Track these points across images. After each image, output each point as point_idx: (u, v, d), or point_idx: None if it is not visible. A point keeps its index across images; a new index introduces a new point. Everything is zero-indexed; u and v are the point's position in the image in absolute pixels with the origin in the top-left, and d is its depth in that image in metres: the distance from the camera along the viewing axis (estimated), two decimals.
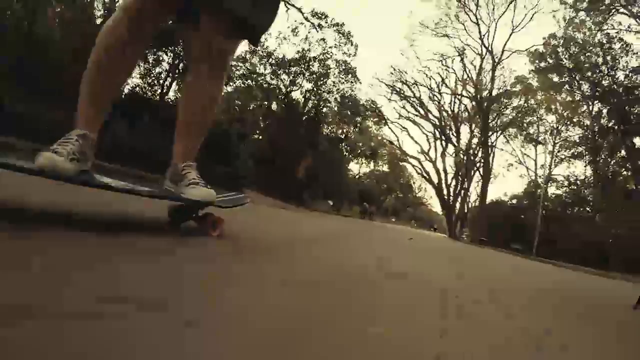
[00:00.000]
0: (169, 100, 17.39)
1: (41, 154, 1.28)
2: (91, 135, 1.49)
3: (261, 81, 25.05)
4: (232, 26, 1.79)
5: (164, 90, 17.60)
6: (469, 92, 31.47)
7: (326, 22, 24.54)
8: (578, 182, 24.66)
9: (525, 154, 29.36)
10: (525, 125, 29.23)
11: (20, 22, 12.03)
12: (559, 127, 27.15)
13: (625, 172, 21.81)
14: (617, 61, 22.70)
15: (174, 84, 17.75)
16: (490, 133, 30.42)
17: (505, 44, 29.39)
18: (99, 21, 15.58)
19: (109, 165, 1.56)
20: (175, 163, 1.83)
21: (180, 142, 1.88)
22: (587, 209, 23.81)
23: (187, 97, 1.92)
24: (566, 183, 25.39)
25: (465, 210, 31.93)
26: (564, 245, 19.77)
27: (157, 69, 17.43)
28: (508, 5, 28.59)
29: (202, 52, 1.82)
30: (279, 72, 25.00)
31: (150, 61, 16.94)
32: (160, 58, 17.16)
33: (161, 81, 17.53)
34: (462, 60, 31.03)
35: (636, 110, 20.78)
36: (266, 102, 25.41)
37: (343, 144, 29.23)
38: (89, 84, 1.57)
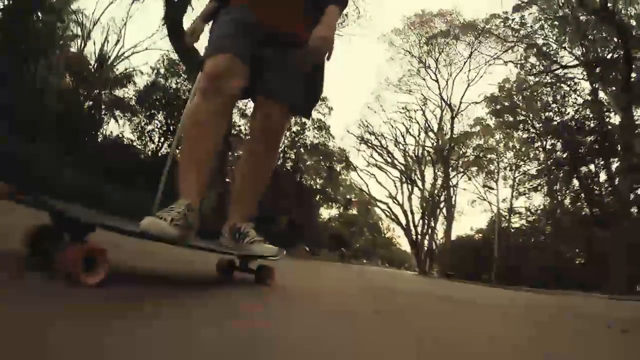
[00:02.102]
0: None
1: (146, 218, 1.43)
2: (194, 204, 1.64)
3: None
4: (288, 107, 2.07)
5: (157, 147, 17.47)
6: (431, 138, 33.11)
7: None
8: (539, 211, 25.66)
9: (488, 187, 30.34)
10: (485, 163, 30.50)
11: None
12: (518, 162, 28.44)
13: (582, 198, 22.66)
14: (566, 99, 24.33)
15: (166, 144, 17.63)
16: (453, 174, 31.67)
17: (462, 97, 31.65)
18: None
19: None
20: (234, 224, 2.03)
21: (239, 205, 2.10)
22: (543, 237, 24.58)
23: (246, 168, 2.13)
24: (527, 214, 26.53)
25: (434, 247, 32.33)
26: (526, 272, 20.37)
27: (150, 127, 17.39)
28: (463, 65, 30.73)
29: (260, 128, 2.06)
30: None
31: (142, 118, 16.92)
32: (155, 116, 17.18)
33: (154, 138, 17.46)
34: (423, 113, 33.02)
35: (588, 140, 22.02)
36: None
37: (319, 196, 29.81)
38: (185, 159, 1.79)
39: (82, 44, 16.33)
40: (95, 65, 16.19)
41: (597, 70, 20.80)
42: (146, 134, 16.88)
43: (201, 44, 2.30)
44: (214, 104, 1.79)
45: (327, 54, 1.90)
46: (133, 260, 2.17)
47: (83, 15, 15.24)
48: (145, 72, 17.76)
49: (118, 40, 18.01)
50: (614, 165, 20.17)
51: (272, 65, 1.97)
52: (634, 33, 18.29)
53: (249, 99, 2.16)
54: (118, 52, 17.70)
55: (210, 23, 2.14)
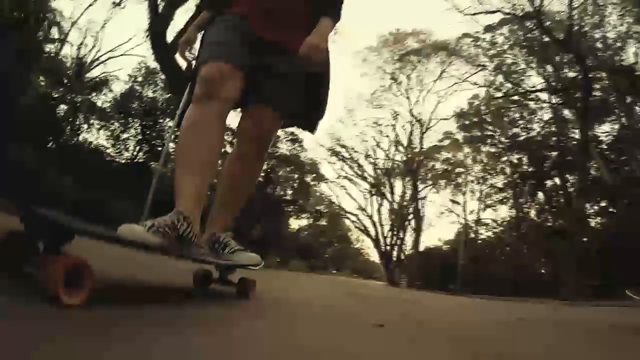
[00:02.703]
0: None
1: (124, 224, 1.39)
2: (187, 213, 1.58)
3: None
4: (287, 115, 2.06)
5: (134, 155, 16.89)
6: (401, 152, 33.87)
7: None
8: (505, 223, 26.47)
9: (454, 202, 31.03)
10: (453, 176, 31.22)
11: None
12: (485, 176, 29.27)
13: (547, 210, 23.49)
14: (533, 116, 25.31)
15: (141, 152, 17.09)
16: (422, 187, 32.41)
17: (432, 113, 32.29)
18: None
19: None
20: (214, 233, 1.97)
21: (221, 214, 2.05)
22: (508, 248, 25.32)
23: (233, 175, 2.08)
24: (493, 226, 27.39)
25: (402, 258, 32.80)
26: (492, 282, 20.93)
27: (125, 135, 16.90)
28: (434, 83, 31.29)
29: (252, 136, 2.04)
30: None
31: (118, 125, 16.50)
32: (131, 124, 16.77)
33: (129, 147, 16.95)
34: (394, 128, 33.61)
35: (552, 155, 22.98)
36: None
37: (290, 207, 29.92)
38: (180, 168, 1.72)
39: (59, 47, 15.78)
40: (73, 69, 15.63)
41: (560, 94, 21.88)
42: (121, 142, 16.52)
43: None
44: (209, 111, 1.75)
45: (318, 62, 1.91)
46: (124, 269, 2.15)
47: (61, 16, 14.64)
48: (121, 78, 17.23)
49: (95, 44, 17.62)
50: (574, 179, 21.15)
51: (267, 73, 1.96)
52: (599, 54, 19.40)
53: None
54: (94, 56, 17.34)
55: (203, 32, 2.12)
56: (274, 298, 2.63)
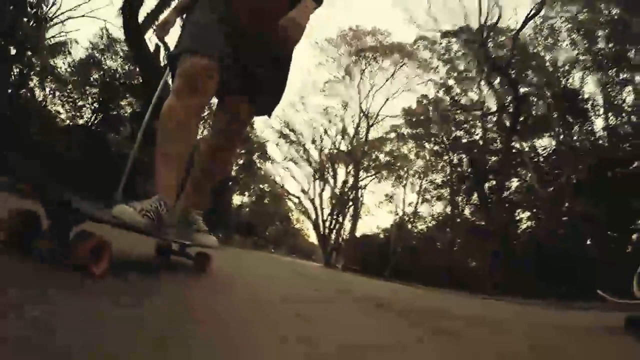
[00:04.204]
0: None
1: (117, 206, 1.50)
2: (167, 199, 1.71)
3: None
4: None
5: (88, 123, 15.88)
6: (347, 142, 34.87)
7: None
8: (440, 218, 28.05)
9: (390, 197, 32.35)
10: (396, 167, 32.49)
11: None
12: (426, 171, 30.72)
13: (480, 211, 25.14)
14: (477, 120, 26.85)
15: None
16: (364, 176, 33.60)
17: (380, 109, 33.35)
18: None
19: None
20: (185, 209, 2.13)
21: (194, 193, 2.18)
22: (439, 244, 26.98)
23: (207, 163, 2.18)
24: (429, 219, 29.00)
25: (340, 242, 33.83)
26: (421, 272, 22.19)
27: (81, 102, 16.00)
28: (386, 81, 32.40)
29: (228, 123, 2.15)
30: None
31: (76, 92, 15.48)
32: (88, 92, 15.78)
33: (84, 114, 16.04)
34: (342, 119, 34.61)
35: (492, 160, 24.65)
36: None
37: (234, 185, 29.67)
38: (159, 157, 1.77)
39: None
40: (31, 26, 14.26)
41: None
42: (77, 109, 15.68)
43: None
44: (189, 107, 1.80)
45: (294, 41, 1.88)
46: None
47: None
48: (79, 41, 16.26)
49: (54, 2, 16.09)
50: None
51: (248, 64, 2.00)
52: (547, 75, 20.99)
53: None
54: (53, 14, 15.88)
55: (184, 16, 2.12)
56: (230, 274, 2.91)
